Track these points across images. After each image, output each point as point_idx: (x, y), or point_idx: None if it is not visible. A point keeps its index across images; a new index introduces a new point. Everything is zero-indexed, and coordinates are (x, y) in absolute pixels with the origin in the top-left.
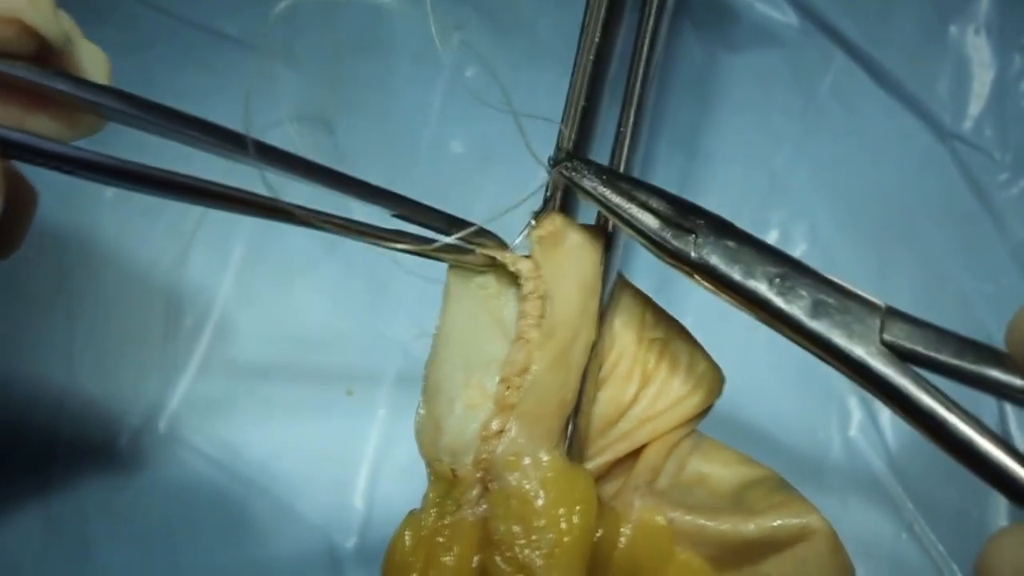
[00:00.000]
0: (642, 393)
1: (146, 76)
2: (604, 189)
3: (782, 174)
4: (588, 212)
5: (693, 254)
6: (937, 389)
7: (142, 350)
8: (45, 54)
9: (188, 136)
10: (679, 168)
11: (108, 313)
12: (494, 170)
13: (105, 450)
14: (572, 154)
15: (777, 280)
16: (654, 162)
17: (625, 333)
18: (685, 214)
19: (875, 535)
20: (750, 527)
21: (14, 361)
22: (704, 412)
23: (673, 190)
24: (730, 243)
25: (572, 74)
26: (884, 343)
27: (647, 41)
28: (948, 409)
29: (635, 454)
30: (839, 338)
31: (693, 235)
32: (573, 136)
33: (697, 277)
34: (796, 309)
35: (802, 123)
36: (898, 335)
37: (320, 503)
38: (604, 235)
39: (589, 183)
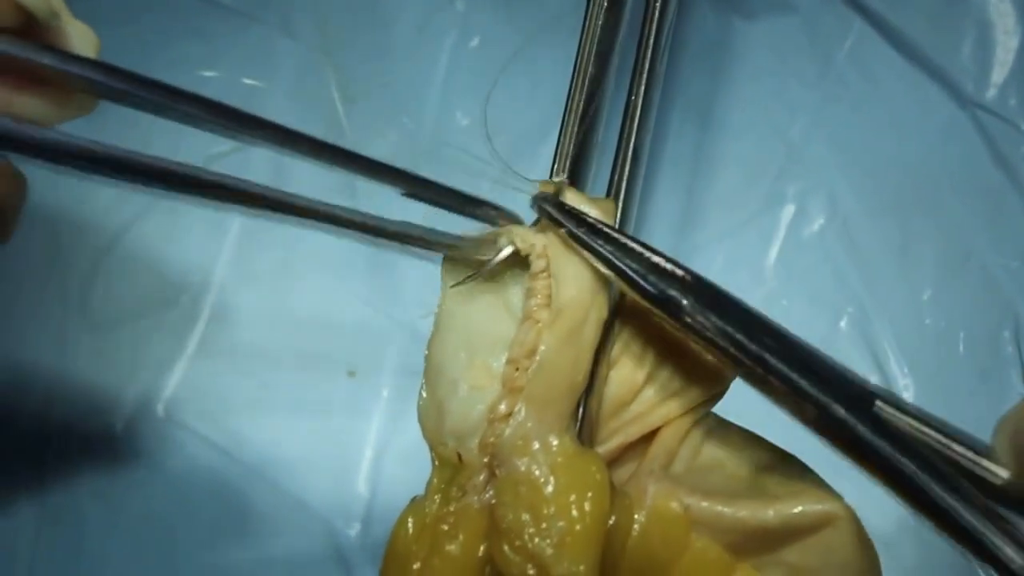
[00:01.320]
0: (655, 373)
1: (138, 45)
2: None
3: (799, 145)
4: (599, 183)
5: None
6: (929, 460)
7: (138, 331)
8: (30, 29)
9: (182, 113)
10: (692, 139)
11: (102, 293)
12: (502, 143)
13: (101, 436)
14: (557, 203)
15: (768, 342)
16: (666, 134)
17: (637, 311)
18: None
19: (897, 520)
20: (769, 514)
21: (5, 344)
22: (720, 393)
23: (687, 162)
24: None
25: (579, 41)
26: (875, 416)
27: (657, 5)
28: (939, 483)
29: (648, 437)
30: (830, 402)
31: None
32: (580, 106)
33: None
34: (791, 371)
35: (819, 92)
36: (888, 414)
37: (322, 488)
38: (616, 211)
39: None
